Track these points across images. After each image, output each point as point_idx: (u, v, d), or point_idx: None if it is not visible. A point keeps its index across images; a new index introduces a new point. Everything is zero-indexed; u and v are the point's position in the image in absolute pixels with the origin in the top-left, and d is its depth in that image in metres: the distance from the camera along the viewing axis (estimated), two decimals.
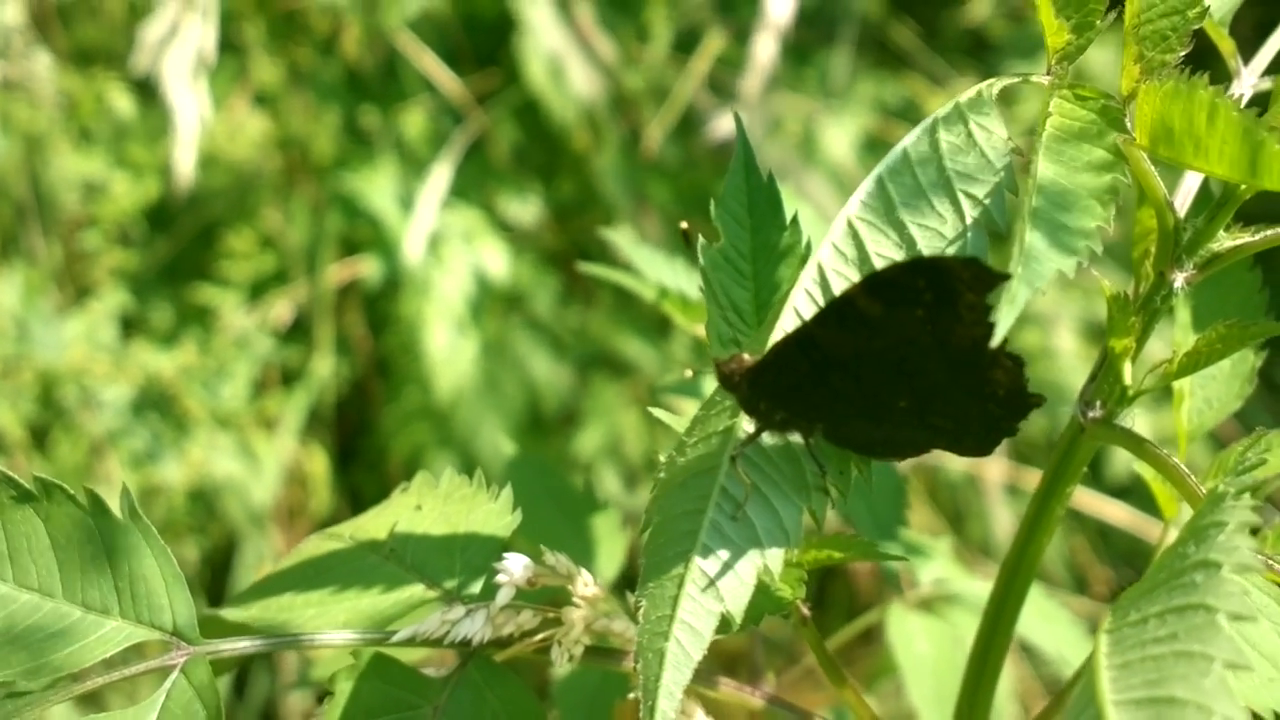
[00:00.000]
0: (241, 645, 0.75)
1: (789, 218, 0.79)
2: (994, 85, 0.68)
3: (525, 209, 3.05)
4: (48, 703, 0.72)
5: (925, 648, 1.18)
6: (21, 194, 2.88)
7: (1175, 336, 0.84)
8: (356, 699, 0.73)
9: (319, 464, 3.02)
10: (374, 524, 0.85)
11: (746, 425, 0.66)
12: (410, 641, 0.76)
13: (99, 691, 0.75)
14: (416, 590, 0.79)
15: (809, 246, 0.78)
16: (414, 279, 2.90)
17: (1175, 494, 0.85)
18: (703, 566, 0.61)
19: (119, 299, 2.83)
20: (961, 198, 0.64)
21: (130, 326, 2.94)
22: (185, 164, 2.61)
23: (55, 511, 0.75)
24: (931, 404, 0.66)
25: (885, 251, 0.64)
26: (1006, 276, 0.58)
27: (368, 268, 2.95)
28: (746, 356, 0.66)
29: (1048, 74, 0.68)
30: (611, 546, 1.17)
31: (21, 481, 0.75)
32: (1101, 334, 0.73)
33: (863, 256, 0.65)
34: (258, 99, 3.00)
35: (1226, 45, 0.82)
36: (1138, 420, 0.77)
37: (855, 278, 0.65)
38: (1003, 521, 2.71)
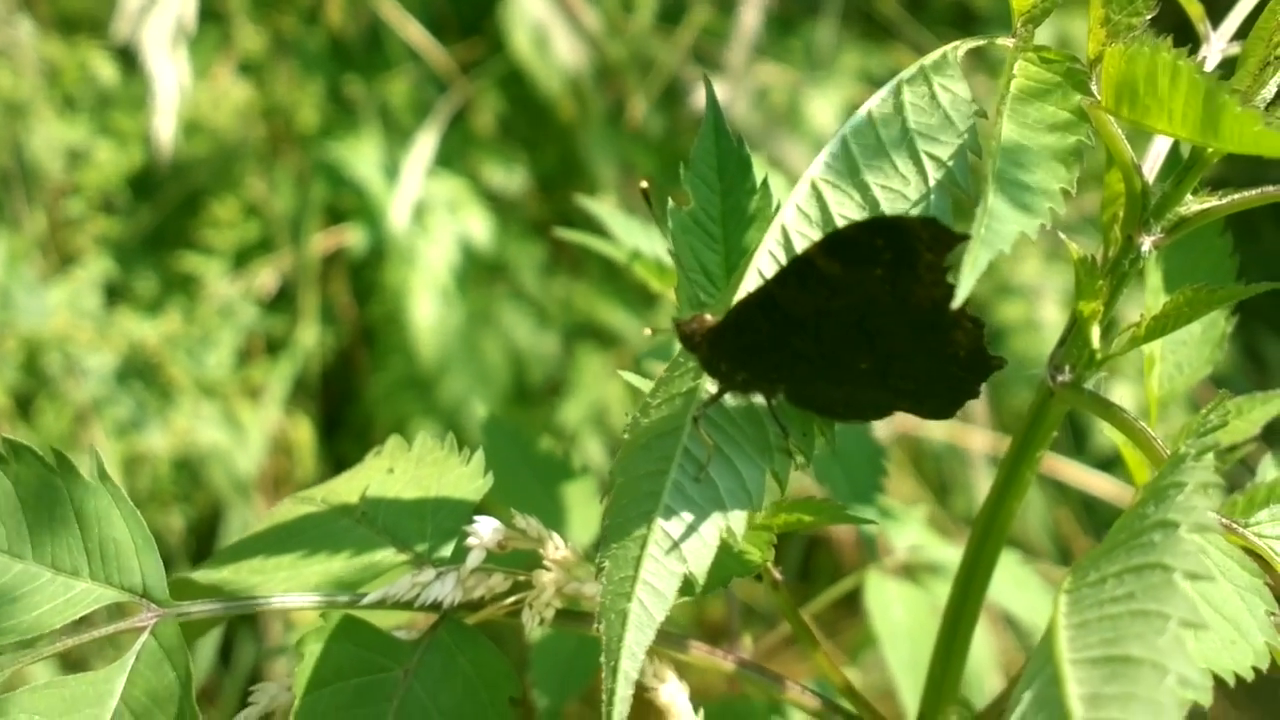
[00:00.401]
0: (211, 608, 0.76)
1: (759, 181, 0.79)
2: (959, 47, 0.68)
3: (510, 178, 3.05)
4: (19, 663, 0.72)
5: (901, 614, 1.19)
6: (5, 162, 2.87)
7: (1146, 301, 0.84)
8: (326, 660, 0.73)
9: (304, 433, 3.02)
10: (347, 487, 0.85)
11: (709, 386, 0.66)
12: (380, 604, 0.76)
13: (80, 654, 0.75)
14: (388, 554, 0.79)
15: (779, 209, 0.79)
16: (399, 248, 2.90)
17: (1146, 459, 0.85)
18: (665, 527, 0.61)
19: (103, 266, 2.82)
20: (924, 159, 0.64)
21: (115, 294, 2.94)
22: (165, 132, 2.61)
23: (24, 473, 0.75)
24: (893, 365, 0.66)
25: (848, 213, 0.64)
26: (965, 237, 0.58)
27: (353, 237, 2.95)
28: (709, 317, 0.66)
29: (1013, 36, 0.68)
30: (586, 512, 1.17)
31: None
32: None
33: (826, 218, 0.65)
34: (242, 68, 2.99)
35: (1195, 9, 0.82)
36: (1121, 391, 0.77)
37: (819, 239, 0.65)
38: (986, 492, 2.71)
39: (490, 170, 3.04)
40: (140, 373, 2.83)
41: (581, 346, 3.09)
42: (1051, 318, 2.76)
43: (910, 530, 1.25)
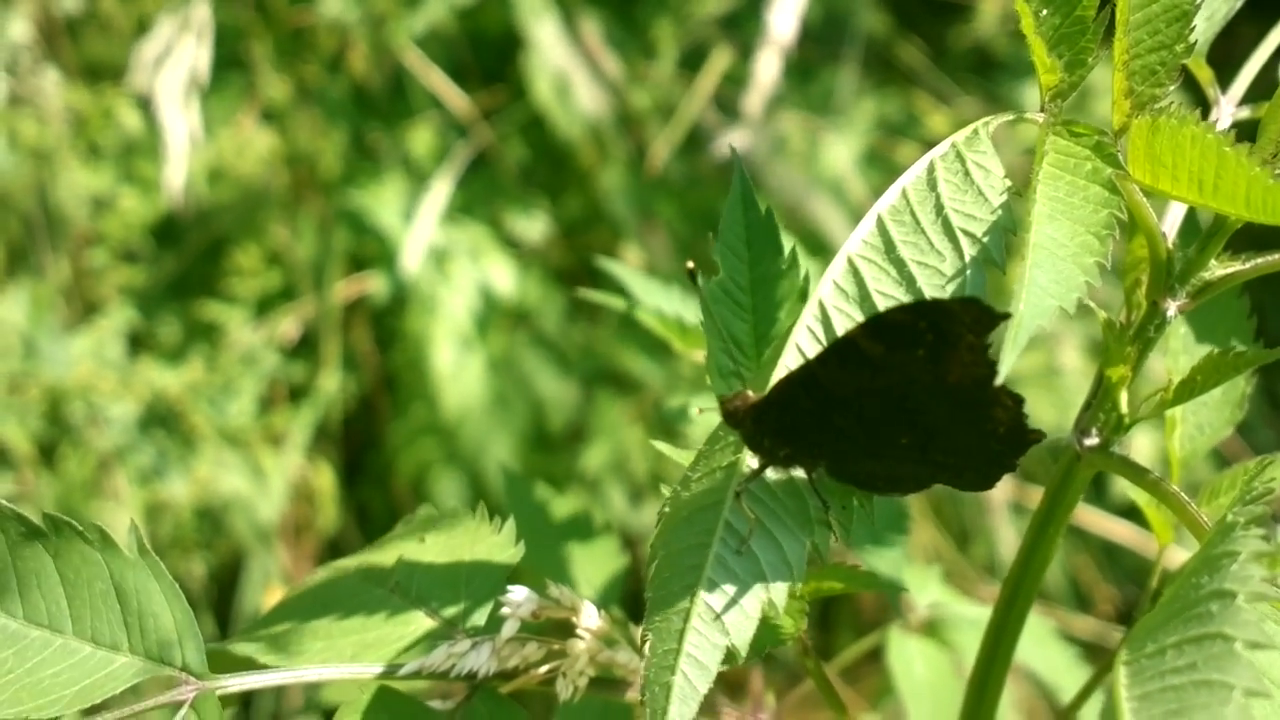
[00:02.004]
0: (250, 681, 0.76)
1: (787, 250, 0.80)
2: (989, 123, 0.69)
3: (532, 225, 3.06)
4: None
5: (923, 672, 1.19)
6: (30, 209, 2.89)
7: (1168, 362, 0.85)
8: None
9: (326, 480, 3.02)
10: (379, 556, 0.85)
11: (750, 461, 0.67)
12: (416, 675, 0.76)
13: None
14: (422, 622, 0.80)
15: (807, 279, 0.79)
16: (420, 295, 2.91)
17: (1170, 520, 0.86)
18: (708, 600, 0.62)
19: (126, 316, 2.83)
20: (960, 236, 0.65)
21: (138, 342, 2.95)
22: (176, 182, 2.63)
23: (64, 547, 0.75)
24: (933, 441, 0.67)
25: (886, 289, 0.65)
26: (1006, 316, 0.59)
27: (374, 284, 2.96)
28: (750, 393, 0.66)
29: (1041, 110, 0.69)
30: (612, 570, 1.17)
31: (30, 518, 0.75)
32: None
33: (864, 294, 0.66)
34: (265, 115, 3.01)
35: (1204, 74, 0.83)
36: (1139, 442, 0.77)
37: (857, 315, 0.65)
38: (1008, 540, 2.71)
39: (512, 217, 3.05)
40: (163, 421, 2.84)
41: (602, 392, 3.10)
42: (1072, 363, 2.76)
43: (930, 586, 1.26)
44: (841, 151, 3.07)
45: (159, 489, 2.78)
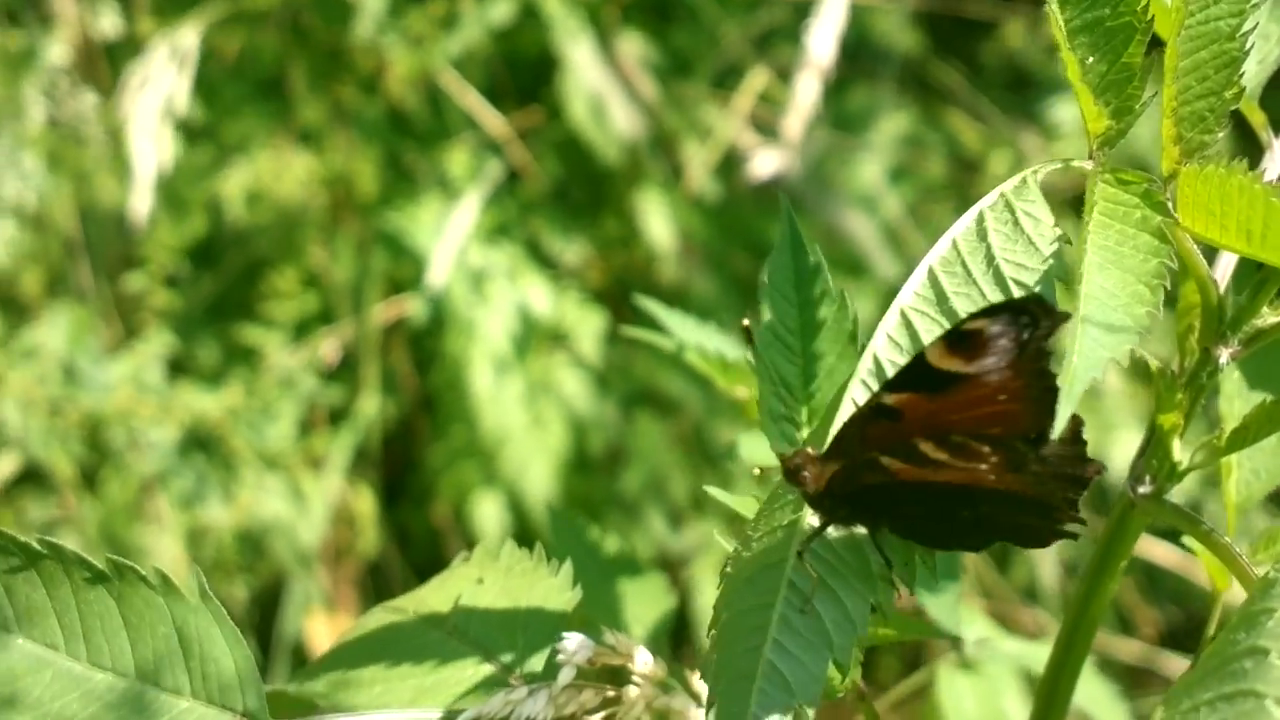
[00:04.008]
0: None
1: (835, 293, 0.81)
2: (1038, 171, 0.69)
3: (569, 246, 3.07)
4: None
5: (972, 707, 1.20)
6: (69, 231, 2.91)
7: (1221, 408, 0.85)
8: None
9: (366, 503, 3.03)
10: (436, 597, 0.86)
11: (812, 519, 0.67)
12: None
13: None
14: (479, 666, 0.81)
15: (856, 322, 0.80)
16: (458, 317, 2.92)
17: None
18: (773, 660, 0.62)
19: (165, 340, 2.85)
20: (1012, 286, 0.65)
21: (176, 367, 2.97)
22: (141, 209, 2.65)
23: (127, 591, 0.76)
24: (995, 518, 0.68)
25: None
26: (1068, 316, 0.60)
27: (412, 306, 2.97)
28: (810, 450, 0.67)
29: (1090, 157, 0.70)
30: (661, 609, 1.18)
31: (95, 562, 0.76)
32: (1148, 372, 0.74)
33: (916, 346, 0.66)
34: (302, 137, 3.02)
35: (1258, 118, 0.83)
36: (1187, 484, 0.78)
37: None
38: (1048, 564, 2.71)
39: (549, 238, 3.06)
40: (202, 445, 2.86)
41: (641, 414, 3.10)
42: (1114, 385, 2.76)
43: (976, 621, 1.26)
44: (874, 169, 3.07)
45: (200, 513, 2.80)
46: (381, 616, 0.87)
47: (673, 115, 3.02)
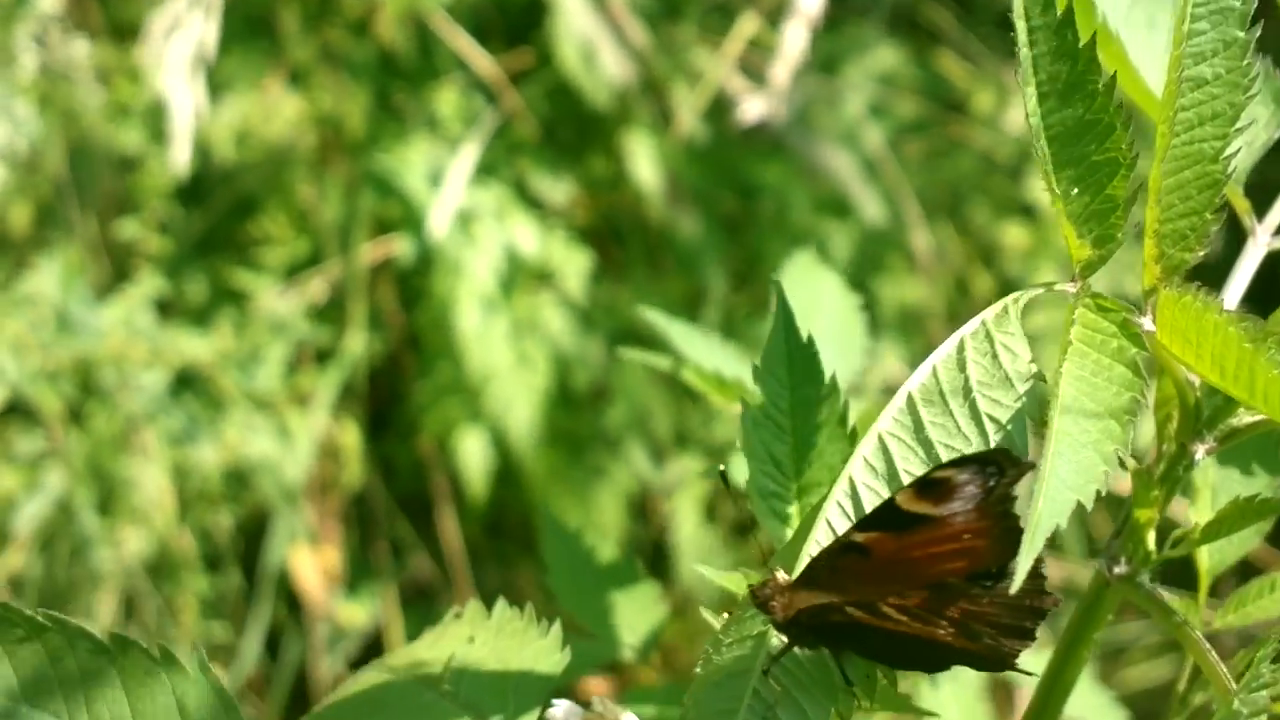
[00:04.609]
0: None
1: (827, 377, 0.83)
2: (1020, 299, 0.71)
3: (556, 186, 3.08)
4: None
5: (954, 710, 1.22)
6: (59, 170, 2.91)
7: (1196, 504, 0.87)
8: None
9: (351, 437, 3.06)
10: (429, 654, 0.88)
11: (778, 638, 0.70)
12: None
13: None
14: None
15: (846, 404, 0.82)
16: (445, 257, 2.94)
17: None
18: None
19: (155, 284, 2.86)
20: (986, 421, 0.67)
21: (165, 306, 2.98)
22: (182, 156, 2.66)
23: (129, 664, 0.78)
24: (954, 655, 0.70)
25: (913, 469, 0.68)
26: (1032, 466, 0.62)
27: (400, 246, 2.98)
28: (780, 576, 0.69)
29: (1071, 281, 0.72)
30: (653, 618, 1.20)
31: (98, 636, 0.78)
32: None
33: (892, 473, 0.68)
34: (292, 77, 3.02)
35: (1241, 204, 0.85)
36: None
37: (884, 492, 0.68)
38: None
39: (537, 178, 3.07)
40: (191, 385, 2.88)
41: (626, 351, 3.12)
42: None
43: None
44: (858, 107, 3.08)
45: (189, 453, 2.82)
46: (376, 675, 0.89)
47: (662, 59, 3.03)
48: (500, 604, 0.89)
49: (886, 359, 3.10)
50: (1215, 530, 0.77)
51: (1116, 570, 0.79)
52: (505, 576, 3.37)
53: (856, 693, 0.68)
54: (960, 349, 0.69)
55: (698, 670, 0.70)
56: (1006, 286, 3.25)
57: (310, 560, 3.09)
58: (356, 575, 3.21)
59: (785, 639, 0.69)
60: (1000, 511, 0.64)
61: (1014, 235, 3.13)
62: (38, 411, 2.77)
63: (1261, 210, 0.85)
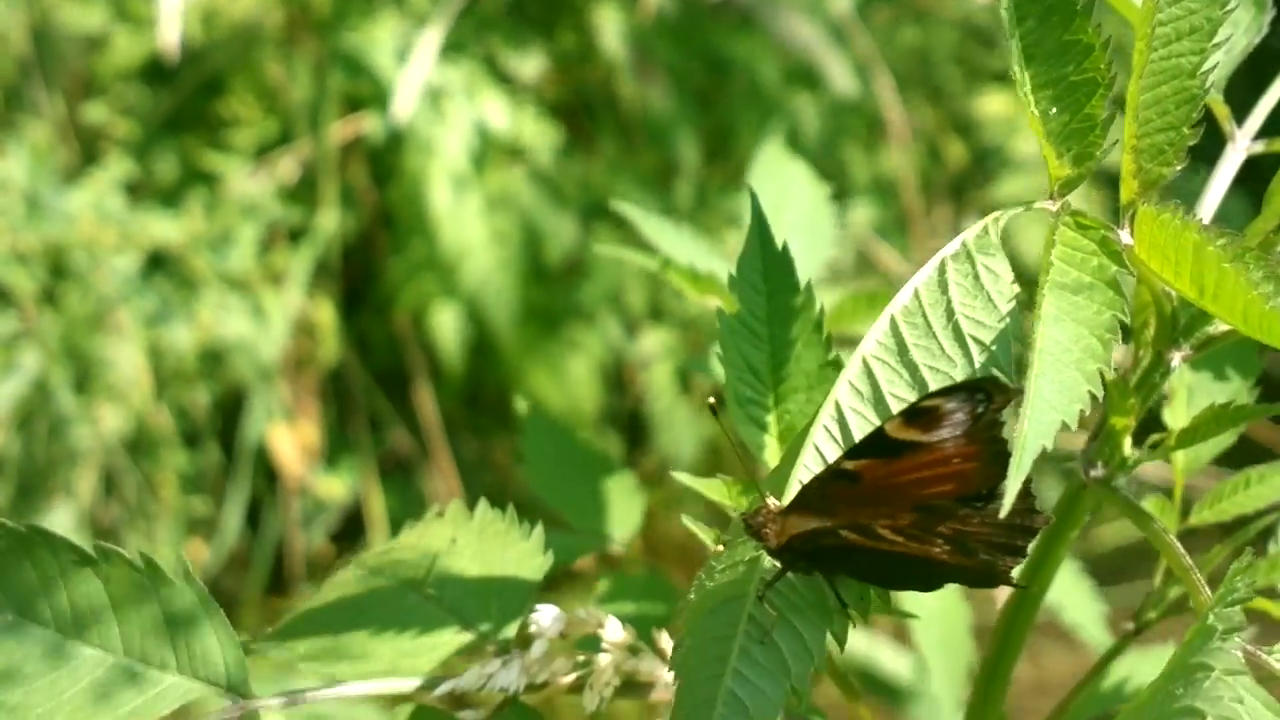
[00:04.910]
0: (294, 700, 0.80)
1: (802, 284, 0.83)
2: (1000, 219, 0.71)
3: (526, 62, 3.06)
4: None
5: (932, 600, 1.23)
6: (24, 50, 2.89)
7: (1172, 407, 0.88)
8: None
9: (326, 314, 3.06)
10: (410, 555, 0.89)
11: (771, 563, 0.70)
12: (450, 695, 0.81)
13: None
14: (454, 633, 0.84)
15: (822, 311, 0.83)
16: (416, 135, 2.92)
17: (1175, 516, 0.89)
18: (733, 688, 0.66)
19: (124, 166, 2.85)
20: (970, 343, 0.68)
21: (135, 188, 2.97)
22: (171, 37, 2.63)
23: (114, 574, 0.79)
24: (947, 572, 0.71)
25: (899, 392, 0.68)
26: (1020, 391, 0.63)
27: (370, 124, 2.97)
28: (771, 502, 0.69)
29: (1051, 198, 0.72)
30: (628, 508, 1.21)
31: (82, 546, 0.79)
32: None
33: (878, 396, 0.68)
34: None
35: (1221, 110, 0.85)
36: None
37: (871, 416, 0.68)
38: None
39: (506, 53, 3.05)
40: (163, 266, 2.87)
41: (599, 226, 3.13)
42: None
43: None
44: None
45: (162, 333, 2.82)
46: (358, 575, 0.90)
47: None
48: (482, 505, 0.89)
49: (858, 225, 3.11)
50: (1190, 437, 0.78)
51: (1093, 474, 0.80)
52: (482, 448, 3.39)
53: (851, 613, 0.69)
54: (941, 270, 0.69)
55: (690, 597, 0.70)
56: (982, 155, 3.25)
57: (288, 436, 3.10)
58: (335, 450, 3.23)
59: (779, 564, 0.69)
60: (988, 437, 0.65)
61: (993, 104, 3.12)
62: (11, 292, 2.76)
63: (1241, 115, 0.85)
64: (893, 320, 0.69)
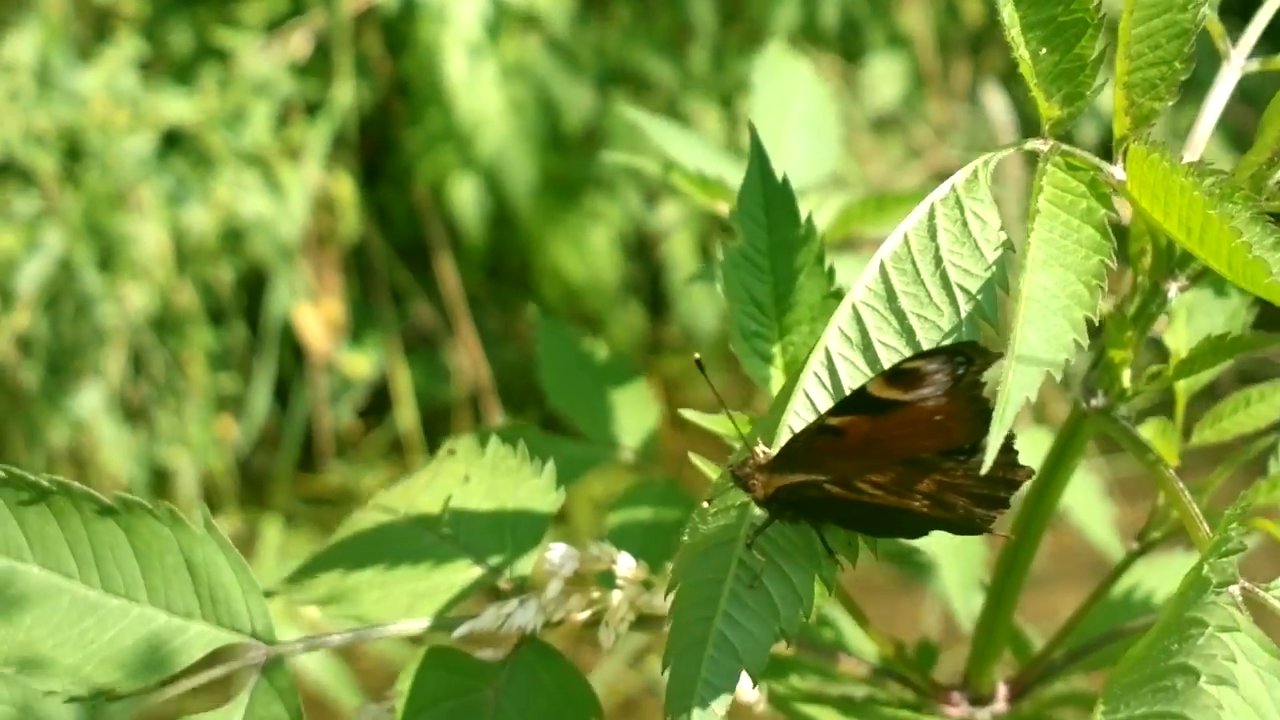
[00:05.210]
0: (315, 642, 0.82)
1: (803, 216, 0.83)
2: (990, 161, 0.71)
3: None
4: (143, 704, 0.79)
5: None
6: None
7: (1170, 336, 0.88)
8: (422, 688, 0.80)
9: (345, 188, 3.07)
10: (425, 496, 0.90)
11: (759, 512, 0.71)
12: (468, 636, 0.82)
13: (178, 703, 0.81)
14: (470, 570, 0.86)
15: (823, 243, 0.83)
16: (429, 3, 2.91)
17: (1175, 444, 0.89)
18: (723, 630, 0.67)
19: (135, 45, 2.84)
20: (957, 290, 0.68)
21: (147, 65, 2.96)
22: None
23: (135, 524, 0.80)
24: (931, 522, 0.72)
25: (887, 340, 0.68)
26: (999, 356, 0.63)
27: None
28: (760, 452, 0.70)
29: (1042, 138, 0.71)
30: (642, 415, 1.21)
31: (102, 497, 0.80)
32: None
33: (866, 343, 0.69)
34: None
35: (1215, 28, 0.84)
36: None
37: (860, 363, 0.69)
38: None
39: None
40: (179, 145, 2.88)
41: (616, 93, 3.12)
42: None
43: None
44: None
45: (180, 214, 2.84)
46: (374, 515, 0.91)
47: None
48: (494, 442, 0.90)
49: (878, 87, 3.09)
50: (1188, 368, 0.78)
51: (1094, 403, 0.80)
52: (505, 320, 3.40)
53: (839, 559, 0.70)
54: (931, 215, 0.69)
55: (683, 539, 0.71)
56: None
57: (312, 313, 3.12)
58: (359, 326, 3.25)
59: (766, 513, 0.70)
60: (970, 396, 0.66)
61: None
62: (33, 173, 2.77)
63: (1236, 34, 0.84)
64: (882, 266, 0.69)
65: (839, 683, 0.97)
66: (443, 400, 3.31)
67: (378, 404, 3.30)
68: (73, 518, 0.81)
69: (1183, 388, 0.90)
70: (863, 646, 1.03)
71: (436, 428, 3.25)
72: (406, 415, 3.21)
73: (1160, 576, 1.06)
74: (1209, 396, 0.91)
